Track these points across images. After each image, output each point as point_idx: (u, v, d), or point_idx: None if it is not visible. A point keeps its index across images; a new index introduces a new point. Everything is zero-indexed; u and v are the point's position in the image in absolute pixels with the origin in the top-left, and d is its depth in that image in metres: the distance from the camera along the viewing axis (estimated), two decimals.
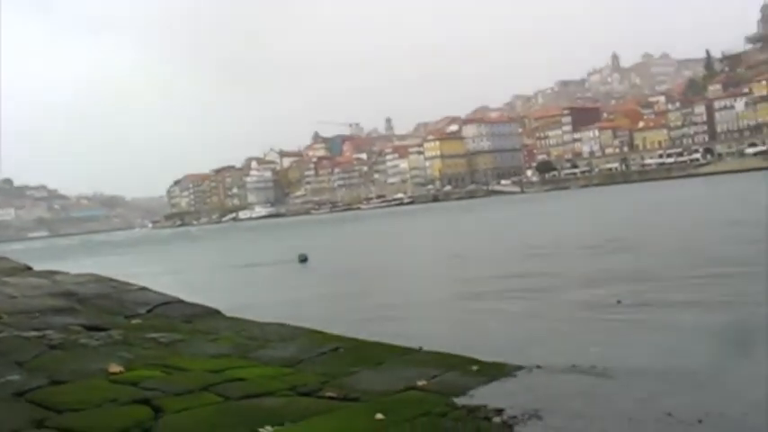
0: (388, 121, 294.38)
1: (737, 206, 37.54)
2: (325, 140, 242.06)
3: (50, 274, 12.57)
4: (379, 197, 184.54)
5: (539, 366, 7.23)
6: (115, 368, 6.90)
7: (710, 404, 5.91)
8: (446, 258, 26.41)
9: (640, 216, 39.19)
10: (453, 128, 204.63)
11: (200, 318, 9.32)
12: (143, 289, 10.77)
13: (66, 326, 8.47)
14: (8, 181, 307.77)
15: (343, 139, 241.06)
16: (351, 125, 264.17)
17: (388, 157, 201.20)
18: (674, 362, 7.71)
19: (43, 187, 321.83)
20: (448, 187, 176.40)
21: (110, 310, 9.57)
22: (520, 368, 7.13)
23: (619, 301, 11.23)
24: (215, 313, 9.52)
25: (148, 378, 6.63)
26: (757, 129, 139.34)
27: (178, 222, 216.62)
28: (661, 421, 5.61)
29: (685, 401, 6.11)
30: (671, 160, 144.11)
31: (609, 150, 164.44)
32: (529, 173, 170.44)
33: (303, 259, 31.93)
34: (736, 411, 5.92)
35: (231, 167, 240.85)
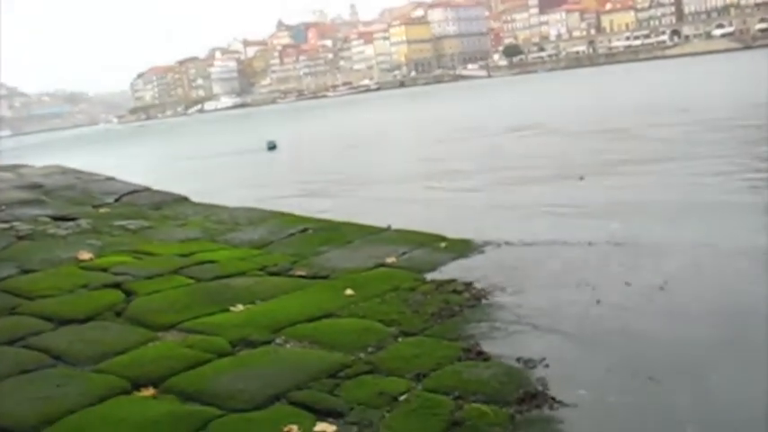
0: (353, 6, 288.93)
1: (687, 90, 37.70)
2: (289, 28, 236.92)
3: (15, 167, 12.41)
4: (345, 84, 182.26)
5: (506, 243, 7.32)
6: (85, 255, 6.92)
7: (671, 273, 6.02)
8: (413, 144, 26.38)
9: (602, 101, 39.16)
10: (419, 13, 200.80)
11: (169, 204, 9.30)
12: (110, 179, 10.70)
13: (33, 217, 8.42)
14: None
15: (308, 26, 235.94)
16: (314, 12, 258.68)
17: (354, 43, 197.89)
18: (636, 233, 7.84)
19: (2, 85, 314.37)
20: (414, 73, 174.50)
21: (77, 201, 9.50)
22: (487, 244, 7.23)
23: (581, 178, 11.38)
24: (183, 200, 9.50)
25: (119, 264, 6.66)
26: (725, 10, 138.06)
27: (143, 116, 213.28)
28: (622, 290, 5.74)
29: (645, 271, 6.23)
30: (638, 42, 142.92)
31: (576, 33, 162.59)
32: (496, 57, 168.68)
33: (272, 147, 31.67)
34: (695, 281, 6.07)
35: (195, 59, 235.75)
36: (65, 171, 11.39)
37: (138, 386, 4.25)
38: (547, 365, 4.48)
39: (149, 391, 4.20)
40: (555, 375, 4.34)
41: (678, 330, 4.98)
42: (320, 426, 3.72)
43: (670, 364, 4.48)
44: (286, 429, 3.65)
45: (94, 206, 9.22)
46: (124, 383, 4.28)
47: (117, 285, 6.09)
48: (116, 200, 9.59)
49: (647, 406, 3.98)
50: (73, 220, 8.39)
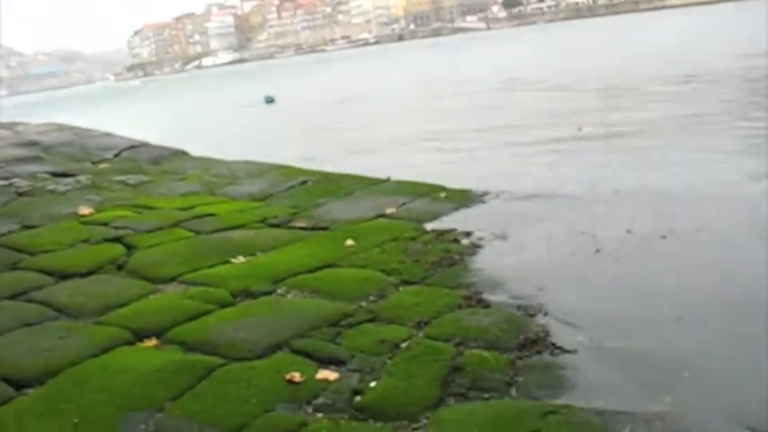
0: None
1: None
2: None
3: (12, 125, 12.36)
4: (343, 38, 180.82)
5: (506, 193, 7.31)
6: (85, 210, 6.92)
7: (674, 224, 6.00)
8: (412, 98, 26.23)
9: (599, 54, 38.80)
10: None
11: (167, 159, 9.27)
12: (108, 134, 10.65)
13: (32, 174, 8.40)
14: None
15: None
16: None
17: None
18: (635, 183, 7.80)
19: None
20: (412, 26, 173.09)
21: (75, 157, 9.47)
22: (487, 194, 7.23)
23: (580, 129, 11.34)
24: (182, 154, 9.47)
25: (119, 218, 6.66)
26: None
27: (140, 74, 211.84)
28: (623, 239, 5.75)
29: (647, 220, 6.23)
30: None
31: None
32: (495, 9, 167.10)
33: (270, 100, 31.47)
34: (698, 230, 6.08)
35: (192, 14, 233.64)
36: (62, 128, 11.33)
37: (140, 337, 4.28)
38: (547, 312, 4.50)
39: (152, 342, 4.22)
40: (555, 322, 4.36)
41: (679, 278, 4.99)
42: (322, 373, 3.75)
43: (670, 310, 4.50)
44: (288, 377, 3.68)
45: (93, 162, 9.20)
46: (127, 335, 4.30)
47: (117, 239, 6.10)
48: (115, 155, 9.57)
49: (646, 352, 4.00)
50: (72, 176, 8.37)
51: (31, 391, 3.72)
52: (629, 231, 5.84)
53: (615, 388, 3.62)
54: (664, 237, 5.67)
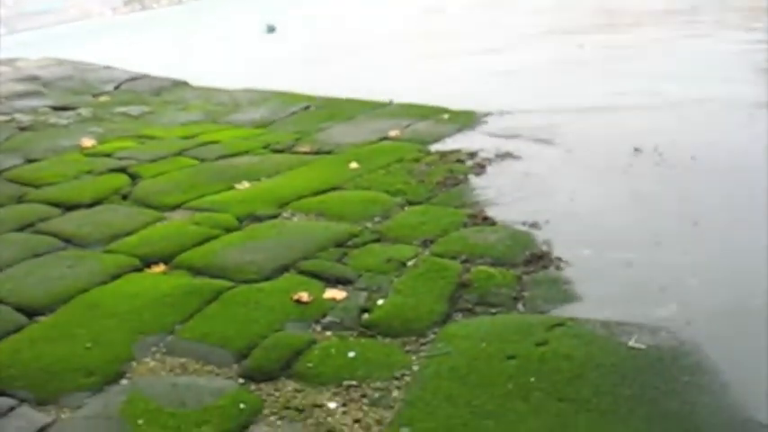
0: None
1: None
2: None
3: (10, 61, 12.24)
4: None
5: (508, 112, 7.25)
6: (88, 143, 6.90)
7: (697, 146, 5.90)
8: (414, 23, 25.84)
9: None
10: None
11: (168, 89, 9.19)
12: (107, 67, 10.53)
13: (33, 108, 8.37)
14: None
15: None
16: None
17: None
18: (644, 89, 7.70)
19: None
20: None
21: (76, 91, 9.41)
22: (489, 114, 7.17)
23: (581, 46, 11.15)
24: (183, 84, 9.38)
25: (122, 149, 6.65)
26: None
27: (138, 7, 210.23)
28: (631, 154, 5.72)
29: (653, 132, 6.19)
30: None
31: None
32: None
33: (271, 30, 30.97)
34: (707, 135, 6.05)
35: None
36: (61, 62, 11.22)
37: (148, 264, 4.30)
38: (552, 228, 4.52)
39: (160, 268, 4.25)
40: (560, 237, 4.38)
41: (685, 189, 5.00)
42: (329, 292, 3.78)
43: (676, 222, 4.52)
44: (296, 297, 3.71)
45: (94, 95, 9.14)
46: (135, 262, 4.33)
47: (122, 170, 6.10)
48: (115, 87, 9.49)
49: (652, 264, 4.03)
50: (73, 109, 8.33)
51: (42, 318, 3.76)
52: (636, 150, 5.80)
53: (621, 299, 3.66)
54: (694, 158, 5.58)
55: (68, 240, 4.74)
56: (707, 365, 3.02)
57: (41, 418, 2.95)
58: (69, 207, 5.34)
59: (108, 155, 6.49)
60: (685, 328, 3.31)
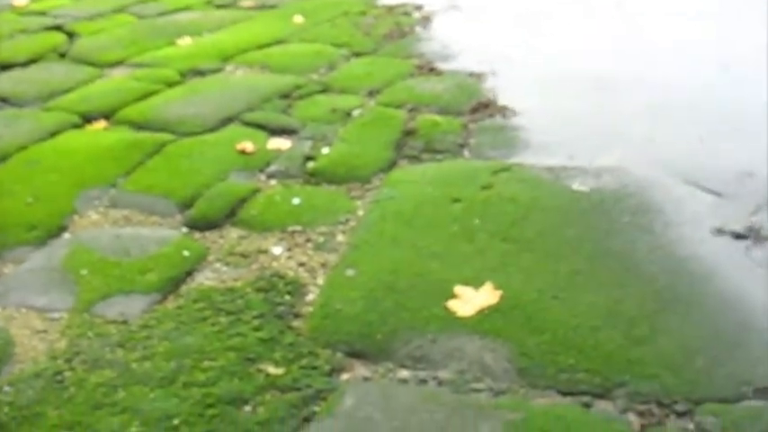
0: None
1: None
2: None
3: None
4: None
5: None
6: (21, 2, 6.62)
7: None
8: None
9: None
10: None
11: None
12: None
13: None
14: None
15: None
16: None
17: None
18: None
19: None
20: None
21: None
22: None
23: None
24: None
25: (57, 7, 6.40)
26: None
27: None
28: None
29: None
30: None
31: None
32: None
33: None
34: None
35: None
36: None
37: (88, 120, 4.19)
38: (499, 78, 4.48)
39: (101, 124, 4.15)
40: (507, 87, 4.36)
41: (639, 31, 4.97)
42: (274, 142, 3.74)
43: (622, 71, 4.51)
44: (240, 147, 3.66)
45: None
46: (74, 119, 4.21)
47: (58, 28, 5.86)
48: None
49: (599, 111, 4.03)
50: None
51: None
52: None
53: (566, 146, 3.66)
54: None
55: (4, 100, 4.58)
56: (649, 206, 3.06)
57: None
58: (4, 66, 5.13)
59: (43, 13, 6.24)
60: (629, 172, 3.33)
